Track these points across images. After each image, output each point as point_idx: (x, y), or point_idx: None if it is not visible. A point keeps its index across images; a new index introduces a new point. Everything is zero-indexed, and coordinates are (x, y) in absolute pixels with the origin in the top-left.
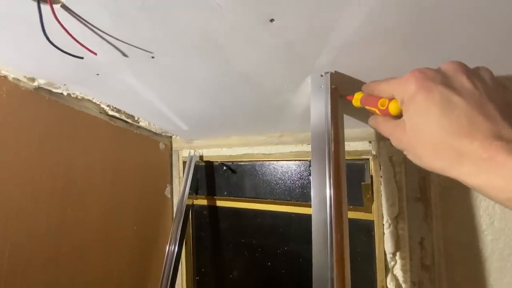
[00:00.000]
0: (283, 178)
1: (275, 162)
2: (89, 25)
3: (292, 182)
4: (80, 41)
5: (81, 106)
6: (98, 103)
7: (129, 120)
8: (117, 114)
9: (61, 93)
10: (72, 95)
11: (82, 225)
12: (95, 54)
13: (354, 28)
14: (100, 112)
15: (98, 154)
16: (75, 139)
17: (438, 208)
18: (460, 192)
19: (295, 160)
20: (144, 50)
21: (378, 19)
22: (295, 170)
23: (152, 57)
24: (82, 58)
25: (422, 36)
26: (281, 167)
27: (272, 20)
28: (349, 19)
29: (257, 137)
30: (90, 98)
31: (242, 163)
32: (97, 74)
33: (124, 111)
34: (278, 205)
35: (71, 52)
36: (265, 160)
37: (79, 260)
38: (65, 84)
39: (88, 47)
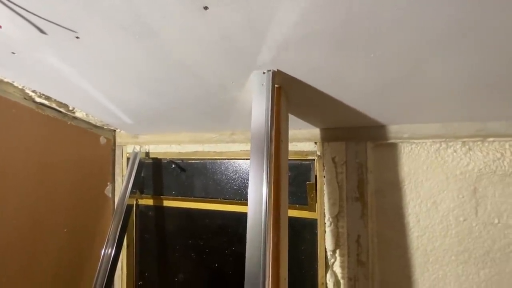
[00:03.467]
0: (234, 177)
1: (226, 160)
2: None
3: (242, 181)
4: None
5: None
6: (20, 87)
7: (62, 110)
8: (46, 102)
9: None
10: None
11: None
12: None
13: (290, 26)
14: (25, 98)
15: (21, 146)
16: None
17: (373, 207)
18: (392, 192)
19: (246, 159)
20: (66, 28)
21: (311, 19)
22: (246, 169)
23: (77, 37)
24: None
25: (355, 39)
26: (232, 165)
27: (206, 8)
28: (284, 15)
29: (209, 134)
30: (10, 81)
31: (192, 161)
32: (13, 53)
33: (55, 99)
34: (228, 205)
35: None
36: (216, 159)
37: None
38: None
39: None
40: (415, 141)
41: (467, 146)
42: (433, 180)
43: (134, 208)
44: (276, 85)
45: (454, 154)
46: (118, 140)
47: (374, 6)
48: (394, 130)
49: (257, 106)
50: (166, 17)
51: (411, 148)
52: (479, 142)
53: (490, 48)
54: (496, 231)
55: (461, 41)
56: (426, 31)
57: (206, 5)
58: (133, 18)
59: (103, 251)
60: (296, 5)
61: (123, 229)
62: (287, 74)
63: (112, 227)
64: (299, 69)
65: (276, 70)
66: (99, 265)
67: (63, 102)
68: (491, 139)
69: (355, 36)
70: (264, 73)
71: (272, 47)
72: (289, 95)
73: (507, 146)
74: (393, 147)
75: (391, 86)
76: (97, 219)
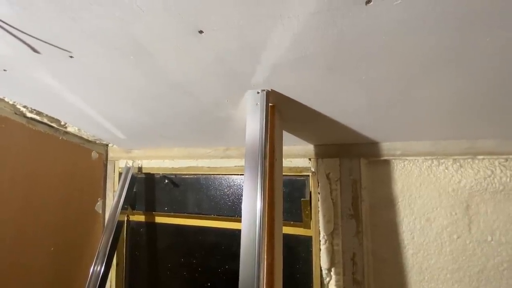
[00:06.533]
0: (228, 193)
1: (220, 176)
2: None
3: (236, 197)
4: None
5: None
6: (11, 102)
7: (53, 125)
8: (37, 117)
9: None
10: None
11: None
12: None
13: (283, 50)
14: (15, 113)
15: (9, 160)
16: None
17: (368, 224)
18: (387, 209)
19: (241, 175)
20: (59, 48)
21: (303, 44)
22: (240, 184)
23: (71, 57)
24: None
25: (346, 62)
26: (226, 181)
27: (201, 32)
28: (277, 40)
29: (202, 150)
30: (0, 97)
31: (185, 177)
32: (4, 70)
33: (47, 114)
34: (221, 221)
35: None
36: (210, 174)
37: None
38: None
39: None
40: (408, 158)
41: (458, 163)
42: (426, 196)
43: (125, 224)
44: (270, 104)
45: (446, 171)
46: (110, 154)
47: (364, 33)
48: (387, 147)
49: (251, 124)
50: (161, 40)
51: (404, 165)
52: (469, 160)
53: (474, 72)
54: (490, 248)
55: (447, 65)
56: (414, 56)
57: (201, 30)
58: (129, 40)
59: (91, 269)
60: (289, 31)
61: (113, 247)
62: (281, 94)
63: (102, 244)
64: (292, 89)
65: (270, 90)
66: (87, 284)
67: (55, 117)
68: (480, 156)
69: (346, 60)
70: (258, 92)
71: (265, 69)
72: (283, 113)
73: (496, 163)
74: (386, 164)
75: (382, 106)
76: (86, 236)
